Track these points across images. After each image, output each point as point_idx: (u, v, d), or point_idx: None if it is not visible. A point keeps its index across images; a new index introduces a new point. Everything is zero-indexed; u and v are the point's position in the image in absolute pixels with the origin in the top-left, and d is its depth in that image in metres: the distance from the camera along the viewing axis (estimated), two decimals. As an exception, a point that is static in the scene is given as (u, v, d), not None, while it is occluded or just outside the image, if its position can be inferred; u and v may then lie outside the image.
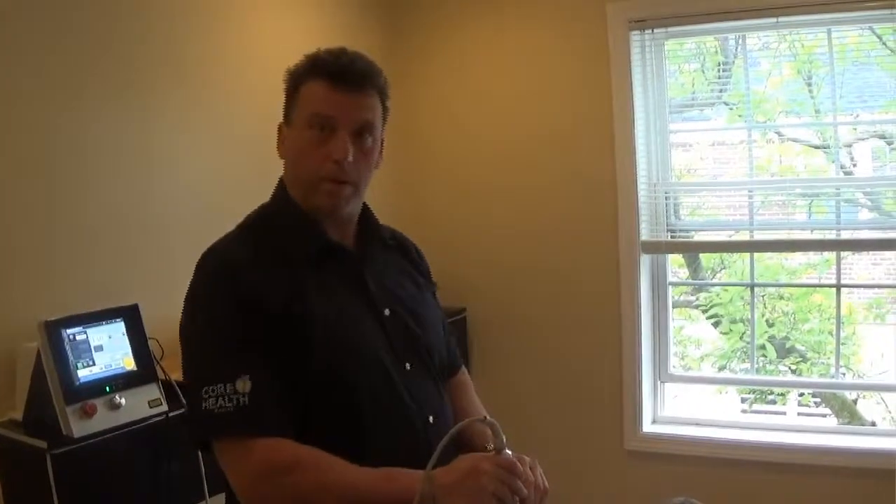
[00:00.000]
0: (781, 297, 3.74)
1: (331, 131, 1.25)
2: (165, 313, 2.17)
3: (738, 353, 3.71)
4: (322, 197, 1.27)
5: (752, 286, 3.04)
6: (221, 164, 2.49)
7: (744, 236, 2.94)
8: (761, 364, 3.63)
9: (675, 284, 3.29)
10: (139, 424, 1.86)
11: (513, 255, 3.14)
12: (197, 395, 1.17)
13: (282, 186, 1.34)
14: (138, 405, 1.88)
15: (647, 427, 3.01)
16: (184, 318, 1.24)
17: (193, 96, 2.41)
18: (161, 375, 1.96)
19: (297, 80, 1.29)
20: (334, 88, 1.26)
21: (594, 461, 3.08)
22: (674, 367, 3.12)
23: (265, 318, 1.18)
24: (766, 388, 3.72)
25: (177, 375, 2.04)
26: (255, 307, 1.18)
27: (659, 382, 3.08)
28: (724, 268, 3.78)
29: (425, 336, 1.35)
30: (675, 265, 3.51)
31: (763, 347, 3.77)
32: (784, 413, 3.72)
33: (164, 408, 1.91)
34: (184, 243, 2.33)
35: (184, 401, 1.87)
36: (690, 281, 3.70)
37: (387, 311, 1.30)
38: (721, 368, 3.73)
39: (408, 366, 1.28)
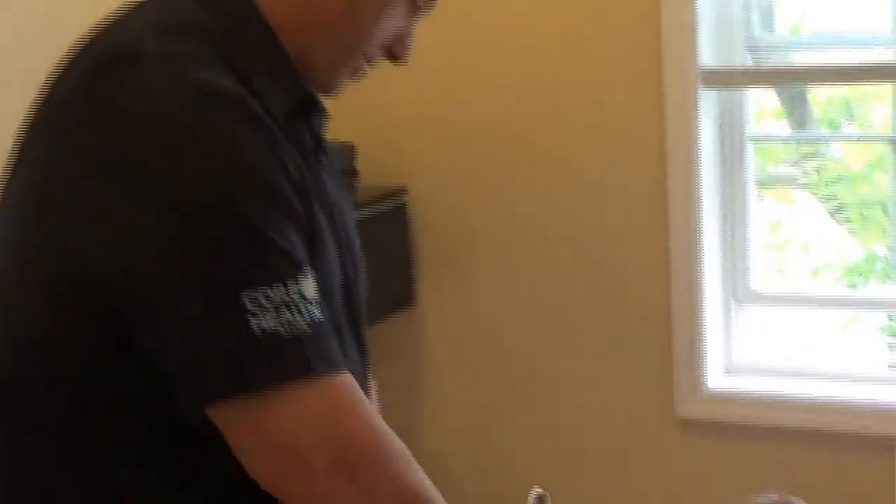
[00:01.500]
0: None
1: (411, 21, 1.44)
2: None
3: (883, 265, 3.57)
4: (345, 75, 1.43)
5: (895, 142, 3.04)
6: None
7: (886, 56, 2.95)
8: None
9: (759, 140, 3.26)
10: None
11: (483, 103, 3.13)
12: (224, 306, 1.15)
13: None
14: None
15: (715, 381, 3.01)
16: (146, 178, 1.19)
17: None
18: None
19: None
20: None
21: (625, 437, 3.12)
22: (759, 282, 3.11)
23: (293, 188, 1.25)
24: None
25: None
26: (285, 169, 1.24)
27: (734, 305, 3.08)
28: (851, 119, 3.67)
29: (361, 288, 1.47)
30: (766, 115, 3.47)
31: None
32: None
33: None
34: None
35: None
36: (787, 135, 3.63)
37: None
38: (850, 288, 3.61)
39: (345, 339, 1.37)
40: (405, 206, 3.21)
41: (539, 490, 1.35)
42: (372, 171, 3.15)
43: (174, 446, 1.25)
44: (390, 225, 3.18)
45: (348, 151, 3.01)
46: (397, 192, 3.20)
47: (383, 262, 3.02)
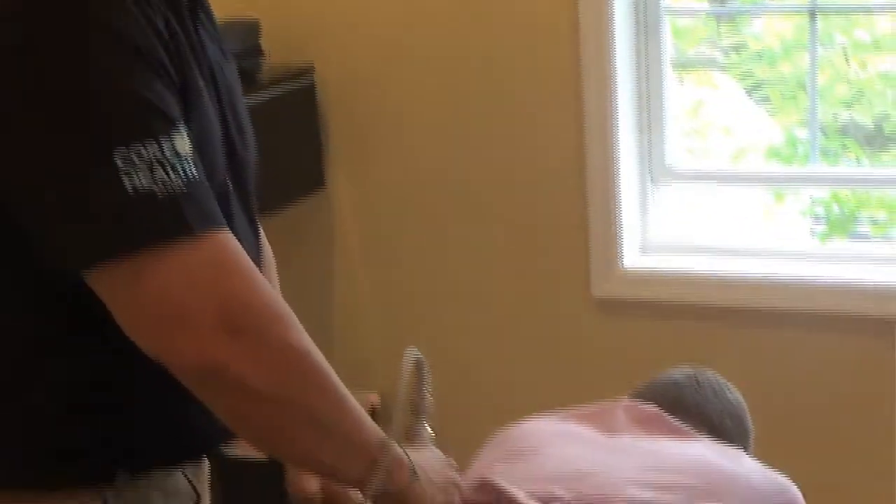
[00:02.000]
0: (878, 46, 3.57)
1: None
2: None
3: (804, 148, 3.56)
4: None
5: (812, 13, 3.00)
6: None
7: None
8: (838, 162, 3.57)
9: (675, 13, 3.24)
10: None
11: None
12: (95, 166, 1.13)
13: None
14: None
15: (631, 260, 3.05)
16: None
17: None
18: None
19: None
20: None
21: (542, 318, 3.14)
22: (676, 159, 3.13)
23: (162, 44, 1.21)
24: (846, 205, 3.64)
25: None
26: (152, 25, 1.20)
27: (650, 184, 3.09)
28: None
29: (249, 153, 1.46)
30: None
31: (844, 135, 3.68)
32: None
33: None
34: None
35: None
36: (703, 8, 3.60)
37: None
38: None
39: (232, 204, 1.37)
40: (313, 85, 3.16)
41: (416, 353, 1.39)
42: (278, 49, 3.10)
43: (46, 308, 1.25)
44: (298, 105, 3.13)
45: (252, 28, 2.95)
46: (305, 71, 3.13)
47: (291, 144, 3.03)
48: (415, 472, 1.31)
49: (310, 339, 1.22)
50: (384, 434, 1.29)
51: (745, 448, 1.93)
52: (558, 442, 1.81)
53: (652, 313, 3.03)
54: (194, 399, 1.28)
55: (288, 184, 3.04)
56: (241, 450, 1.69)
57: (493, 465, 1.75)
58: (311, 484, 1.50)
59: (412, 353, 1.40)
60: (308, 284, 3.10)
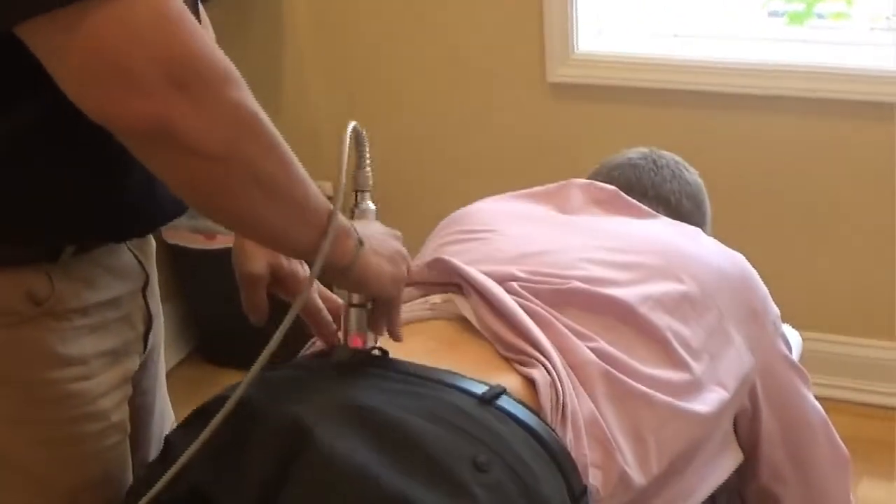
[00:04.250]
0: None
1: None
2: None
3: None
4: None
5: None
6: None
7: None
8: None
9: None
10: None
11: None
12: None
13: None
14: None
15: (587, 44, 3.04)
16: None
17: None
18: None
19: None
20: None
21: (497, 103, 3.17)
22: None
23: None
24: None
25: None
26: None
27: None
28: None
29: None
30: None
31: None
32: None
33: None
34: None
35: None
36: None
37: None
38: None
39: None
40: None
41: (354, 123, 1.37)
42: None
43: None
44: None
45: None
46: None
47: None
48: (360, 243, 1.29)
49: (257, 103, 1.18)
50: (331, 204, 1.26)
51: (703, 228, 1.91)
52: (513, 222, 1.79)
53: (608, 97, 3.04)
54: (133, 174, 1.23)
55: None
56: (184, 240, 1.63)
57: (446, 247, 1.72)
58: (258, 265, 1.47)
59: (351, 124, 1.37)
60: (256, 71, 3.03)
